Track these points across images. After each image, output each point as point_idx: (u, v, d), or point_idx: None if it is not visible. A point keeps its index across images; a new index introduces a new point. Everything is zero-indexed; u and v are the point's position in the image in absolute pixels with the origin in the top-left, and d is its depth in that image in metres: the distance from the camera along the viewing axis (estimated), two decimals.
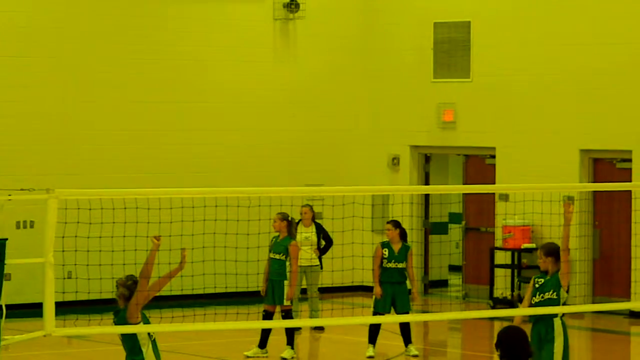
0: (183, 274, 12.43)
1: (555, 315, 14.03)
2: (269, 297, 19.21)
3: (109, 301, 16.62)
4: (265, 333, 19.11)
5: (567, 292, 14.26)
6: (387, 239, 19.55)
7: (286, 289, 19.04)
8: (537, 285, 14.27)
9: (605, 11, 23.74)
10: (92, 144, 24.08)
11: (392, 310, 18.96)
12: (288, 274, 19.12)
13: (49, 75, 24.22)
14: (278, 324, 19.89)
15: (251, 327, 19.43)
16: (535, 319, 14.15)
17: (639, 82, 23.18)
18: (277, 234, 19.40)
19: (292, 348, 19.24)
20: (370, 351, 19.16)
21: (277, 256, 19.24)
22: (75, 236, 16.20)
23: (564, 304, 14.21)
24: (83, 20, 24.76)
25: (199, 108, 25.33)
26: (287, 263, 19.18)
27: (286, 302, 19.09)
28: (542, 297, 14.12)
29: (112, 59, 24.75)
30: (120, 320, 12.22)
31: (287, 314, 19.22)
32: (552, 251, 14.21)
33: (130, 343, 12.10)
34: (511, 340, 9.70)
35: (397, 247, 19.30)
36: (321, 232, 21.25)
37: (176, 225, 17.92)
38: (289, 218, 19.51)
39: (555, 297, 14.09)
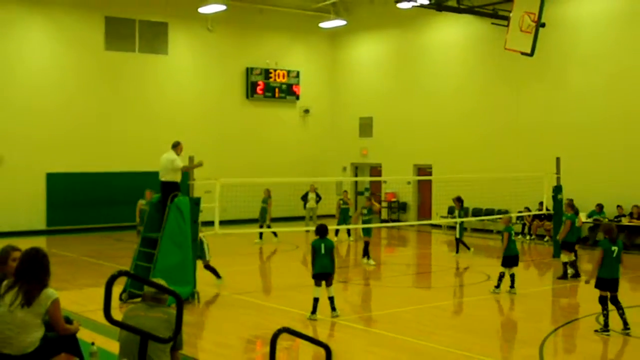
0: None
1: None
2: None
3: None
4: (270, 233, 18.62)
5: (380, 215, 14.61)
6: (343, 197, 19.57)
7: (267, 217, 18.17)
8: (363, 212, 14.64)
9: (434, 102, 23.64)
10: (231, 156, 23.40)
11: (344, 223, 18.91)
12: (269, 211, 18.29)
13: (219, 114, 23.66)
14: (284, 229, 19.61)
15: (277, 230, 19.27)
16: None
17: (439, 132, 23.02)
18: (264, 196, 18.46)
19: (275, 236, 18.83)
20: (335, 239, 19.08)
21: (264, 205, 18.29)
22: (226, 196, 16.28)
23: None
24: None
25: (272, 146, 25.03)
26: (268, 208, 18.37)
27: (267, 223, 18.25)
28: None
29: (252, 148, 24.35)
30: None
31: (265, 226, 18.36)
32: (376, 197, 14.68)
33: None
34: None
35: (346, 199, 19.35)
36: (318, 195, 21.12)
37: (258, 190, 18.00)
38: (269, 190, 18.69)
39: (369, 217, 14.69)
